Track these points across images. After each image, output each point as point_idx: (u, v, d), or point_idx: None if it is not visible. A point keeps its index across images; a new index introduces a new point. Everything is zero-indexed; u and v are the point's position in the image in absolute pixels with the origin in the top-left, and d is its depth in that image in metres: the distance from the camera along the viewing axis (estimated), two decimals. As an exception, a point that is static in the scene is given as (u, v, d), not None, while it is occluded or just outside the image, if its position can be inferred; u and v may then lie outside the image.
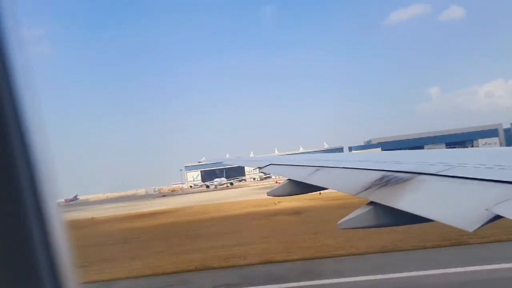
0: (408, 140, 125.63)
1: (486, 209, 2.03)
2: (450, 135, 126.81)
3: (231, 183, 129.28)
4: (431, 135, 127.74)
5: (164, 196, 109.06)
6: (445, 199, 2.64)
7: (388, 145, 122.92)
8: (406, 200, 2.85)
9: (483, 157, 4.13)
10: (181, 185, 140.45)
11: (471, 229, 2.05)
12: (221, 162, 13.63)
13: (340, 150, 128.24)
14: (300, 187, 5.94)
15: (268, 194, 6.80)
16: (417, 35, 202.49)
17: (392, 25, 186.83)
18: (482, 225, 2.06)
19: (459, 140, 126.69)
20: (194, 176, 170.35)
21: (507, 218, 1.94)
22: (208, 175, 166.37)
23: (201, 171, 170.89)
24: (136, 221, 42.86)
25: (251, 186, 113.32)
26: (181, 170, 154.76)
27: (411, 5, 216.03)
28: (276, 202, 39.04)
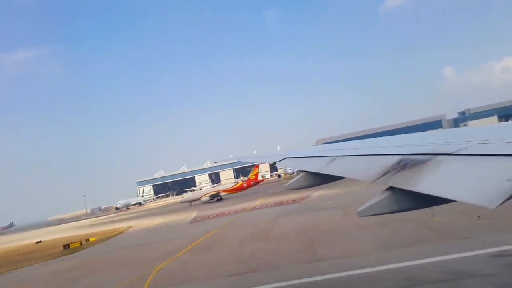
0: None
1: (508, 179, 1.99)
2: (391, 130, 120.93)
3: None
4: (377, 131, 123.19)
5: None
6: (464, 178, 2.60)
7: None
8: (425, 182, 2.82)
9: (498, 133, 4.04)
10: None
11: (492, 206, 2.02)
12: (237, 161, 13.67)
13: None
14: (317, 178, 5.91)
15: (285, 187, 6.79)
16: (417, 15, 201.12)
17: (390, 9, 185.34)
18: (504, 201, 2.02)
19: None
20: (146, 191, 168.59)
21: None
22: (161, 188, 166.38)
23: (153, 185, 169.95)
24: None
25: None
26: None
27: None
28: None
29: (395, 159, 3.70)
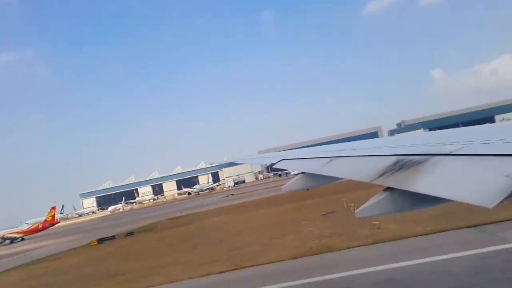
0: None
1: (507, 175, 1.99)
2: (329, 141, 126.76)
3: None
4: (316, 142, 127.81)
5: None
6: (461, 178, 2.60)
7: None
8: (422, 183, 2.82)
9: (497, 134, 4.06)
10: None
11: (490, 205, 2.02)
12: (233, 162, 13.67)
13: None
14: (315, 180, 5.90)
15: (284, 189, 6.77)
16: (399, 21, 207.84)
17: (371, 15, 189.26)
18: (502, 201, 2.03)
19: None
20: (89, 203, 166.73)
21: None
22: (105, 200, 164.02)
23: (96, 197, 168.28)
24: None
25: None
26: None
27: None
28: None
29: (393, 159, 3.70)
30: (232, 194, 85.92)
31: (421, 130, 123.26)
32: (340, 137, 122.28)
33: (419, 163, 3.17)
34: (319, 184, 6.05)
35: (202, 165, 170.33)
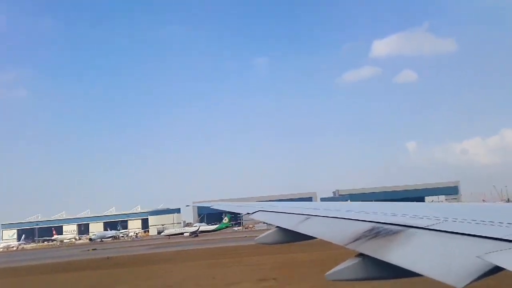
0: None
1: (478, 256, 2.02)
2: (266, 201, 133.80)
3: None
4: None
5: None
6: (434, 253, 2.63)
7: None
8: (396, 253, 2.83)
9: (472, 212, 4.15)
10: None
11: (460, 285, 2.03)
12: (209, 207, 13.45)
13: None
14: (289, 236, 5.84)
15: (256, 241, 6.65)
16: (374, 94, 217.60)
17: (345, 84, 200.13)
18: (471, 282, 2.04)
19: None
20: (9, 235, 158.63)
21: (496, 273, 1.92)
22: (28, 233, 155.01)
23: (18, 229, 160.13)
24: None
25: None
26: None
27: (362, 67, 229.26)
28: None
29: (368, 226, 3.72)
30: (95, 249, 77.28)
31: (349, 201, 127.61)
32: (279, 198, 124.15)
33: (394, 233, 3.19)
34: (292, 240, 5.97)
35: (137, 209, 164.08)
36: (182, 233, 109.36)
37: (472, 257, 2.19)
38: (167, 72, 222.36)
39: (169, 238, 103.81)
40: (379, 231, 3.41)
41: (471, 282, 2.05)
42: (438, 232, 2.81)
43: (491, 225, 2.66)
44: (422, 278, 2.70)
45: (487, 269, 2.03)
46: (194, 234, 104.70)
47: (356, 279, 3.32)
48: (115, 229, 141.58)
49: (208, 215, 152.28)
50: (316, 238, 4.80)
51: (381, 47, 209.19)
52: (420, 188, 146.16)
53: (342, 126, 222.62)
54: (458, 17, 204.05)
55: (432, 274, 2.31)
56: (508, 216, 3.25)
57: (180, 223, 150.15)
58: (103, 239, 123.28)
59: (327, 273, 3.47)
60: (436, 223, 3.02)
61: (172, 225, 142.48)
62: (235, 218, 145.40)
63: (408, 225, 3.24)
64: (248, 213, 8.58)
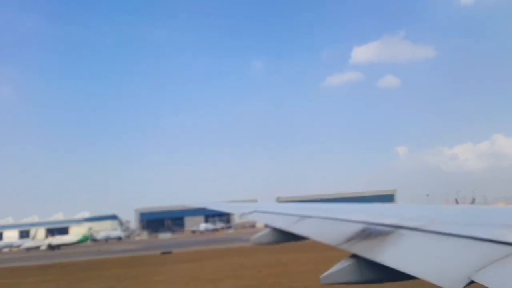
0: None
1: (468, 277, 1.98)
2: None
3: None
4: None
5: None
6: (428, 255, 2.60)
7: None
8: (388, 255, 2.79)
9: (463, 214, 4.14)
10: None
11: None
12: (204, 208, 13.42)
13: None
14: (284, 236, 5.84)
15: (252, 241, 6.65)
16: (357, 98, 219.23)
17: (328, 88, 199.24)
18: (468, 284, 2.01)
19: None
20: None
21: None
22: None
23: None
24: None
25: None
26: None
27: (345, 72, 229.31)
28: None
29: (361, 226, 3.69)
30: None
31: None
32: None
33: (386, 234, 3.16)
34: (286, 240, 5.98)
35: (84, 215, 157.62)
36: (38, 246, 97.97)
37: (466, 261, 2.17)
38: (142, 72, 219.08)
39: (27, 251, 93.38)
40: (371, 232, 3.38)
41: (468, 284, 2.01)
42: (429, 233, 2.79)
43: (483, 226, 2.64)
44: (418, 280, 2.68)
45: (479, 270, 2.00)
46: (53, 247, 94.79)
47: (350, 283, 3.29)
48: (60, 235, 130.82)
49: (149, 221, 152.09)
50: (309, 238, 4.78)
51: (361, 52, 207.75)
52: (358, 196, 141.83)
53: (324, 131, 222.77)
54: (436, 24, 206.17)
55: (424, 276, 2.28)
56: (500, 217, 3.23)
57: (117, 229, 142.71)
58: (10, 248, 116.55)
59: (322, 275, 3.43)
60: (428, 224, 3.00)
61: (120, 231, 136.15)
62: (227, 220, 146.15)
63: (401, 225, 3.22)
64: (243, 214, 8.59)
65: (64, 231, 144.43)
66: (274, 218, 6.91)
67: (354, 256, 3.28)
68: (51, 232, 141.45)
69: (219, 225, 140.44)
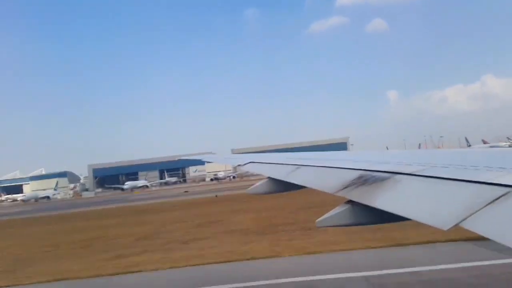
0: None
1: (457, 218, 2.09)
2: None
3: None
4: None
5: None
6: (421, 198, 2.70)
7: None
8: (383, 199, 2.90)
9: (458, 158, 4.24)
10: None
11: (445, 228, 2.10)
12: (199, 160, 13.52)
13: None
14: (280, 186, 5.96)
15: (248, 191, 6.80)
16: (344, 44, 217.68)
17: (313, 34, 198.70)
18: (456, 224, 2.11)
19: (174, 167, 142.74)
20: None
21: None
22: None
23: None
24: None
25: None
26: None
27: (331, 17, 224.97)
28: None
29: (357, 173, 3.78)
30: None
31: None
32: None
33: (382, 179, 3.26)
34: (283, 190, 6.11)
35: (41, 171, 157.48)
36: None
37: (458, 201, 2.27)
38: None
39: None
40: (367, 179, 3.48)
41: (456, 225, 2.12)
42: (426, 178, 2.88)
43: (476, 169, 2.73)
44: (408, 222, 2.81)
45: (471, 213, 2.10)
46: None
47: (345, 225, 3.43)
48: (13, 193, 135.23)
49: (104, 177, 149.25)
50: (305, 187, 4.90)
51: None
52: (312, 145, 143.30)
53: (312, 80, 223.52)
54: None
55: (417, 218, 2.39)
56: (492, 160, 3.32)
57: (67, 187, 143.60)
58: None
59: (318, 220, 3.58)
60: (423, 169, 3.08)
61: (53, 190, 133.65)
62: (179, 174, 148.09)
63: (395, 171, 3.31)
64: (239, 165, 8.73)
65: (17, 189, 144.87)
66: (270, 168, 7.01)
67: (349, 201, 3.39)
68: (5, 190, 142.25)
69: (174, 179, 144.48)
